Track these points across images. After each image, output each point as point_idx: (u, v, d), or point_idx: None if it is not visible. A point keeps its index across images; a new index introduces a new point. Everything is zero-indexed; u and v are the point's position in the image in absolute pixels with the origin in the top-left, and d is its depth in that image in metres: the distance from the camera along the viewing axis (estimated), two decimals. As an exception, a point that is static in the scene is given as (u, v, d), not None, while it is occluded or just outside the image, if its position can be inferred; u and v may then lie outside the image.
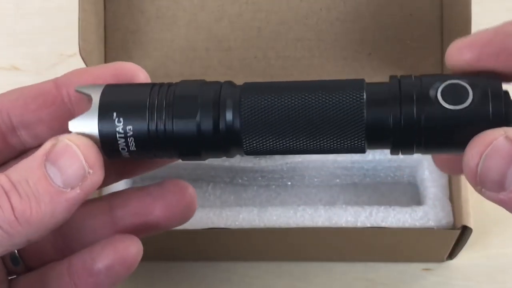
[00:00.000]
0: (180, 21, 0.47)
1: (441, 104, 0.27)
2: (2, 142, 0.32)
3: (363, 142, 0.28)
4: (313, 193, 0.49)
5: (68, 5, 0.49)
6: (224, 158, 0.48)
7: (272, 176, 0.49)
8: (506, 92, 0.28)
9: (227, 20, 0.47)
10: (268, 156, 0.48)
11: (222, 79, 0.30)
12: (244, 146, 0.29)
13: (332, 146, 0.28)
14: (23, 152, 0.33)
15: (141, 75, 0.31)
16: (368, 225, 0.44)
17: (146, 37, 0.47)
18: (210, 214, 0.45)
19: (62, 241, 0.34)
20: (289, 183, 0.50)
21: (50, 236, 0.33)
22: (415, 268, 0.47)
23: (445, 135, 0.27)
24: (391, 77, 0.29)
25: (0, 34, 0.57)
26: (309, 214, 0.45)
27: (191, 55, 0.47)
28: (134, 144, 0.29)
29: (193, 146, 0.29)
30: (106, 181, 0.31)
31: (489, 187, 0.26)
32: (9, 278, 0.34)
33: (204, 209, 0.46)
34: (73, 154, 0.28)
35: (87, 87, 0.30)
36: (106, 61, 0.48)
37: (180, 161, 0.48)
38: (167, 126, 0.29)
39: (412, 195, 0.49)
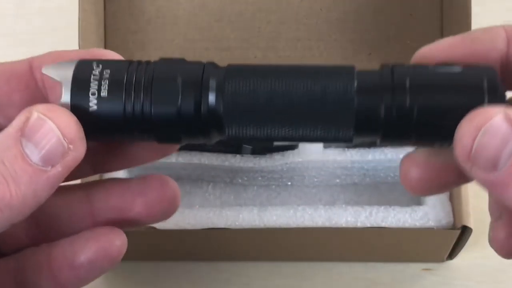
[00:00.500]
0: (180, 21, 0.47)
1: (434, 71, 0.26)
2: None
3: (351, 131, 0.27)
4: (313, 193, 0.49)
5: (68, 5, 0.49)
6: (224, 158, 0.48)
7: (272, 176, 0.49)
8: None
9: (227, 20, 0.47)
10: (268, 155, 0.48)
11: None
12: (226, 131, 0.27)
13: (318, 134, 0.27)
14: None
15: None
16: (368, 225, 0.44)
17: (146, 37, 0.47)
18: (210, 214, 0.45)
19: (36, 228, 0.32)
20: (289, 183, 0.50)
21: (23, 222, 0.31)
22: (415, 268, 0.47)
23: (438, 116, 0.26)
24: (383, 65, 0.28)
25: (0, 34, 0.57)
26: (309, 214, 0.45)
27: (191, 55, 0.47)
28: (107, 89, 0.27)
29: (172, 127, 0.27)
30: (79, 174, 0.30)
31: (481, 165, 0.25)
32: None
33: (204, 209, 0.46)
34: (48, 130, 0.26)
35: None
36: (106, 61, 0.48)
37: (179, 161, 0.48)
38: (145, 101, 0.27)
39: (412, 195, 0.49)
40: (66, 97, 0.27)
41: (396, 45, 0.47)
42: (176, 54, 0.48)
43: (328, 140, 0.27)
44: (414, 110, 0.26)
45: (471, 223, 0.42)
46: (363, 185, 0.49)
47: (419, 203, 0.47)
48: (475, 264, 0.47)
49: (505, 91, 0.26)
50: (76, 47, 0.43)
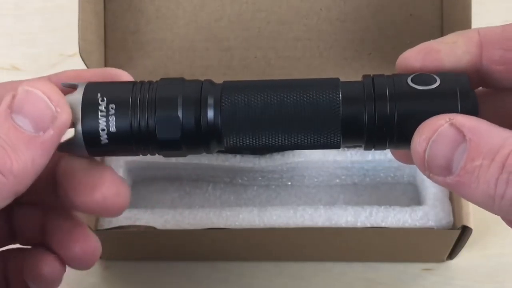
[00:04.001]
0: (180, 21, 0.47)
1: (411, 86, 0.28)
2: None
3: (338, 138, 0.29)
4: (313, 193, 0.49)
5: (68, 5, 0.49)
6: (224, 158, 0.48)
7: (272, 176, 0.49)
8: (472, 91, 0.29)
9: (227, 20, 0.47)
10: (268, 156, 0.48)
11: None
12: (225, 142, 0.30)
13: (308, 142, 0.29)
14: None
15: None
16: (368, 225, 0.44)
17: (146, 37, 0.47)
18: (210, 214, 0.45)
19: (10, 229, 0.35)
20: (289, 183, 0.50)
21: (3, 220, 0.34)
22: (415, 268, 0.47)
23: (416, 119, 0.28)
24: (364, 76, 0.30)
25: (0, 34, 0.57)
26: (309, 214, 0.45)
27: (191, 55, 0.47)
28: (114, 124, 0.29)
29: (175, 142, 0.30)
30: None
31: (436, 172, 0.27)
32: None
33: (204, 209, 0.46)
34: (36, 98, 0.28)
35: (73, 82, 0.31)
36: (106, 61, 0.48)
37: (180, 162, 0.48)
38: (150, 121, 0.29)
39: (412, 195, 0.49)
40: (79, 128, 0.30)
41: (396, 45, 0.47)
42: (176, 54, 0.48)
43: (318, 146, 0.30)
44: (394, 116, 0.28)
45: (471, 223, 0.42)
46: (363, 185, 0.49)
47: (419, 203, 0.47)
48: (475, 264, 0.47)
49: (475, 94, 0.28)
50: (76, 47, 0.43)
